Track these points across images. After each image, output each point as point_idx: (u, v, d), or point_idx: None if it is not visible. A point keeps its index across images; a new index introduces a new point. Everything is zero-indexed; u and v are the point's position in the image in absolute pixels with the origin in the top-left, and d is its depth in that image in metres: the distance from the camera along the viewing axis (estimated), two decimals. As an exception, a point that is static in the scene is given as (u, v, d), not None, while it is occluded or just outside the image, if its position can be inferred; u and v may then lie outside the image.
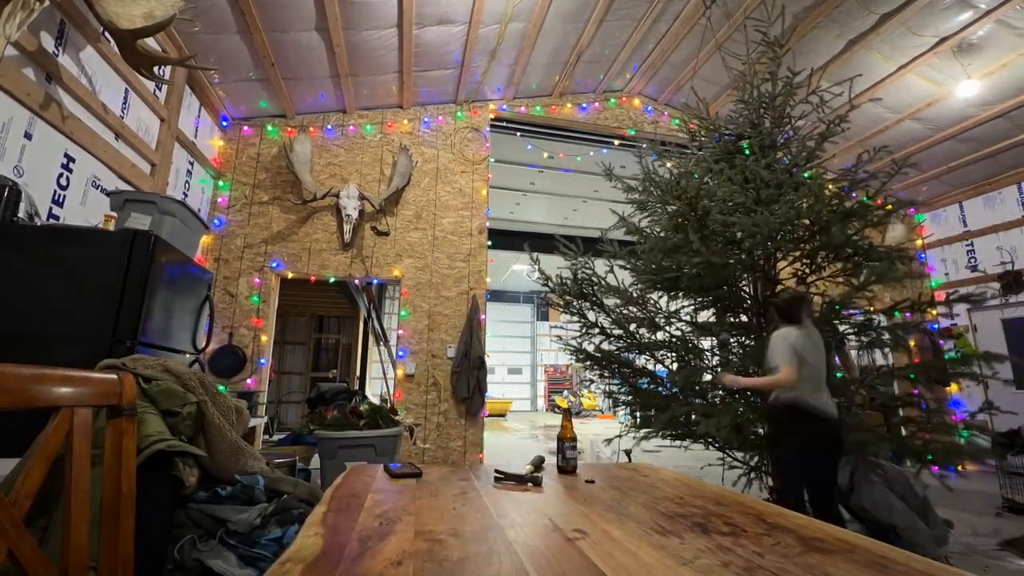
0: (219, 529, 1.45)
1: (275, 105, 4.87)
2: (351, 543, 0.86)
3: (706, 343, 3.82)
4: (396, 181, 5.04)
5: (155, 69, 2.92)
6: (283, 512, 1.56)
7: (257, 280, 4.66)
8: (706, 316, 3.61)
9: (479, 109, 5.62)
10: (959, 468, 4.59)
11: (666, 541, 0.91)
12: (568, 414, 1.65)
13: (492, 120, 5.67)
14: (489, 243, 5.36)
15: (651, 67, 5.59)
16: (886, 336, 2.87)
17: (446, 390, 4.89)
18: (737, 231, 2.86)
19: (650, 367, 3.48)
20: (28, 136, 2.47)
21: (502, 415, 13.76)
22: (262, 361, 4.53)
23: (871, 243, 2.81)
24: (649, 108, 6.22)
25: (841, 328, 3.04)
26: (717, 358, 3.57)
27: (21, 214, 2.14)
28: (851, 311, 2.94)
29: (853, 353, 4.05)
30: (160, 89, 3.72)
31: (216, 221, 4.69)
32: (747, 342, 3.20)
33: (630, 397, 3.46)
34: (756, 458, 3.01)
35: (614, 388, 3.57)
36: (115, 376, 0.98)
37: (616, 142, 6.07)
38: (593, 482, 1.43)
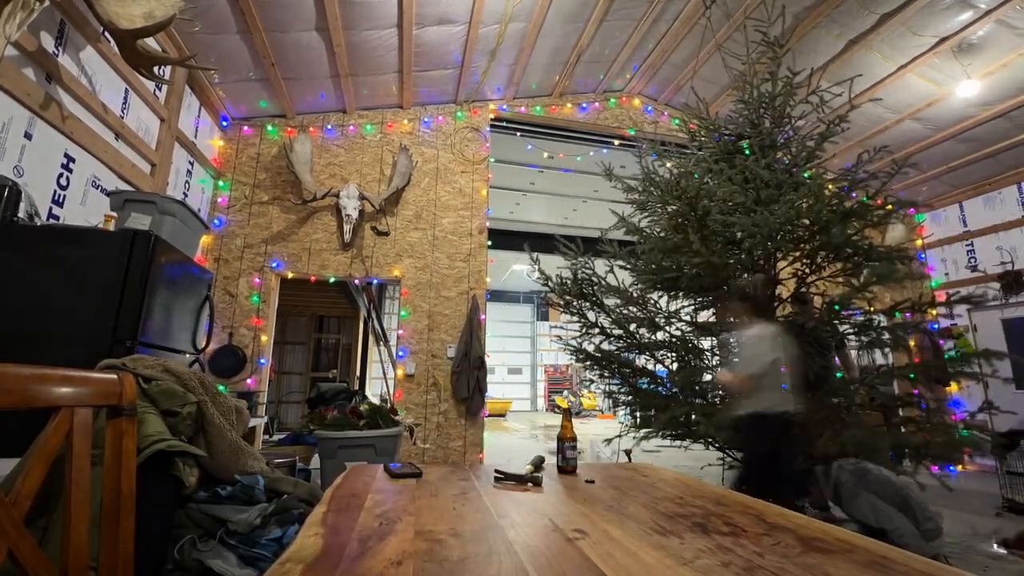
0: (219, 529, 1.45)
1: (275, 105, 4.87)
2: (351, 543, 0.87)
3: (706, 343, 3.82)
4: (396, 181, 5.04)
5: (155, 69, 2.92)
6: (283, 512, 1.56)
7: (257, 280, 4.66)
8: (706, 316, 3.61)
9: (479, 109, 5.62)
10: (959, 468, 4.59)
11: (666, 541, 0.91)
12: (568, 414, 1.65)
13: (492, 120, 5.67)
14: (489, 243, 5.36)
15: (651, 67, 5.59)
16: (886, 336, 2.87)
17: (446, 390, 4.89)
18: (737, 231, 2.86)
19: (650, 367, 3.48)
20: (28, 136, 2.47)
21: (502, 415, 13.76)
22: (262, 361, 4.53)
23: (871, 243, 2.80)
24: (649, 108, 6.22)
25: (841, 328, 3.04)
26: (717, 358, 3.57)
27: (21, 214, 2.14)
28: (851, 311, 2.94)
29: (853, 353, 4.05)
30: (160, 89, 3.72)
31: (216, 221, 4.69)
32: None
33: (630, 397, 3.46)
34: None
35: (614, 388, 3.57)
36: (115, 376, 0.98)
37: (616, 142, 6.07)
38: (593, 482, 1.43)
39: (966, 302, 2.60)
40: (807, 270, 3.06)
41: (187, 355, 2.66)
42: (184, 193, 4.20)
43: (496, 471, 1.45)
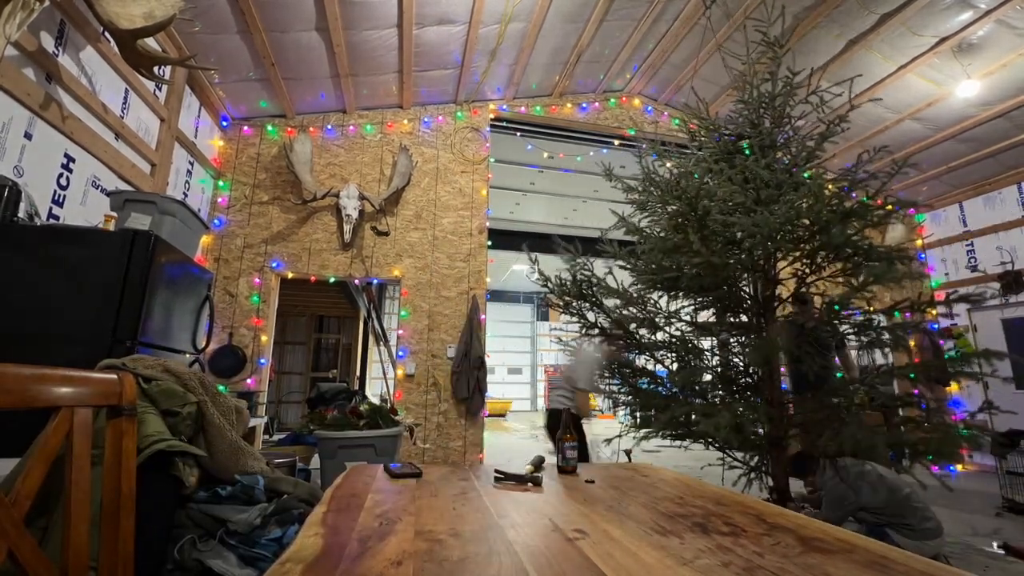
0: (219, 529, 1.45)
1: (275, 105, 4.87)
2: (351, 543, 0.87)
3: (706, 343, 3.82)
4: (396, 181, 5.04)
5: (155, 69, 2.92)
6: (283, 512, 1.56)
7: (257, 280, 4.66)
8: (706, 316, 3.61)
9: (479, 109, 5.62)
10: (959, 468, 4.59)
11: (666, 541, 0.91)
12: (568, 414, 1.65)
13: (492, 120, 5.67)
14: (489, 243, 5.36)
15: (651, 67, 5.59)
16: (886, 336, 2.87)
17: (446, 390, 4.89)
18: (737, 231, 2.86)
19: (650, 367, 3.48)
20: (28, 136, 2.47)
21: (502, 415, 13.76)
22: (262, 361, 4.53)
23: (871, 243, 2.80)
24: (649, 108, 6.22)
25: (841, 328, 3.04)
26: (717, 358, 3.56)
27: (21, 214, 2.14)
28: (851, 311, 2.94)
29: (853, 353, 4.05)
30: (160, 89, 3.72)
31: (216, 221, 4.69)
32: (747, 342, 3.20)
33: (630, 397, 3.45)
34: (756, 458, 3.00)
35: (614, 388, 3.57)
36: (115, 376, 0.98)
37: (616, 142, 6.07)
38: (593, 482, 1.43)
39: (965, 301, 2.59)
40: (807, 270, 3.06)
41: (187, 355, 2.66)
42: (184, 193, 4.20)
43: (496, 471, 1.45)
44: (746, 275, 3.15)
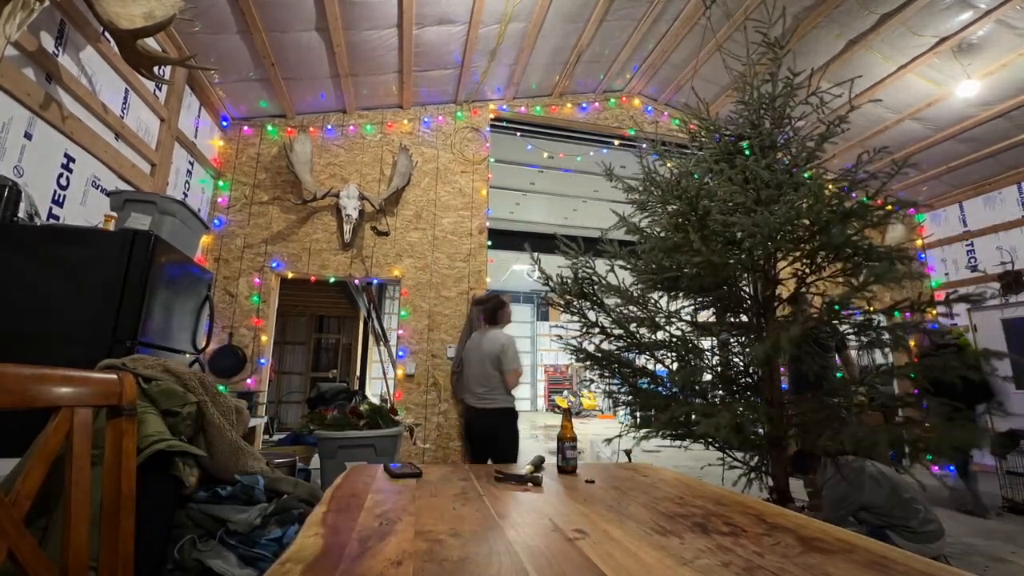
0: (219, 529, 1.45)
1: (275, 105, 4.87)
2: (351, 543, 0.87)
3: (706, 343, 3.82)
4: (396, 181, 5.05)
5: (155, 69, 2.92)
6: (283, 512, 1.56)
7: (257, 280, 4.66)
8: (706, 316, 3.61)
9: (479, 109, 5.62)
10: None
11: (666, 541, 0.91)
12: (568, 414, 1.65)
13: (492, 120, 5.67)
14: (489, 243, 5.36)
15: (651, 67, 5.59)
16: (886, 336, 2.87)
17: (446, 390, 4.89)
18: (737, 231, 2.86)
19: (650, 367, 3.48)
20: (28, 136, 2.47)
21: (502, 415, 13.71)
22: (262, 361, 4.53)
23: (871, 243, 2.80)
24: (649, 108, 6.22)
25: (841, 328, 3.04)
26: (717, 358, 3.56)
27: (21, 214, 2.14)
28: (850, 311, 2.94)
29: (853, 353, 4.05)
30: (160, 89, 3.72)
31: (216, 221, 4.69)
32: (747, 342, 3.20)
33: (630, 397, 3.45)
34: (756, 458, 3.00)
35: (614, 388, 3.57)
36: (115, 376, 0.98)
37: (616, 142, 6.07)
38: (593, 482, 1.43)
39: (965, 301, 2.59)
40: (807, 270, 3.06)
41: (187, 355, 2.66)
42: (184, 193, 4.20)
43: (496, 471, 1.45)
44: (746, 275, 3.15)
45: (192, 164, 4.34)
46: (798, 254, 3.01)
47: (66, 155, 2.76)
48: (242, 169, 4.86)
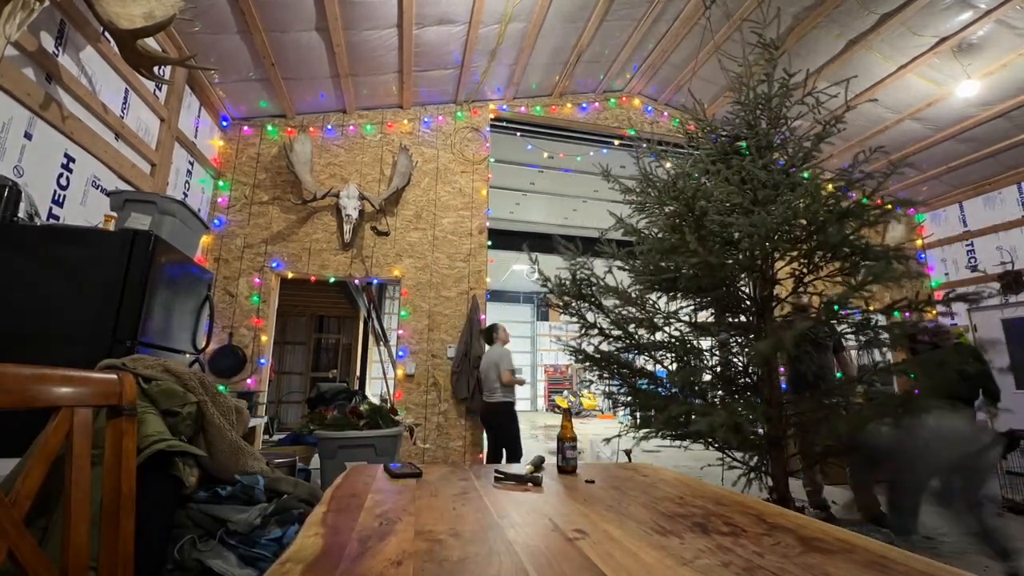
0: (219, 529, 1.45)
1: (275, 105, 4.87)
2: (351, 543, 0.87)
3: (705, 344, 3.82)
4: (396, 181, 5.05)
5: (155, 69, 2.92)
6: (283, 512, 1.56)
7: (257, 280, 4.66)
8: (704, 317, 3.62)
9: (479, 109, 5.62)
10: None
11: (666, 541, 0.91)
12: (568, 414, 1.65)
13: (492, 120, 5.67)
14: (489, 243, 5.36)
15: (651, 67, 5.59)
16: (884, 336, 2.88)
17: (446, 390, 4.89)
18: (734, 231, 2.86)
19: (649, 368, 3.48)
20: (28, 136, 2.48)
21: (502, 415, 13.72)
22: (262, 361, 4.53)
23: (868, 243, 2.80)
24: (649, 108, 6.22)
25: (839, 328, 3.04)
26: (716, 358, 3.56)
27: (21, 214, 2.14)
28: (848, 311, 2.95)
29: (853, 353, 4.05)
30: (160, 89, 3.72)
31: (216, 221, 4.69)
32: (745, 342, 3.20)
33: (629, 398, 3.46)
34: (756, 458, 3.01)
35: (614, 389, 3.57)
36: (115, 376, 0.98)
37: (616, 142, 6.07)
38: (593, 482, 1.43)
39: (963, 300, 2.60)
40: (805, 270, 3.06)
41: (187, 355, 2.66)
42: (184, 193, 4.20)
43: (496, 471, 1.45)
44: (743, 276, 3.15)
45: (192, 164, 4.34)
46: (795, 254, 3.01)
47: (66, 155, 2.76)
48: (242, 169, 4.86)
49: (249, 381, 4.42)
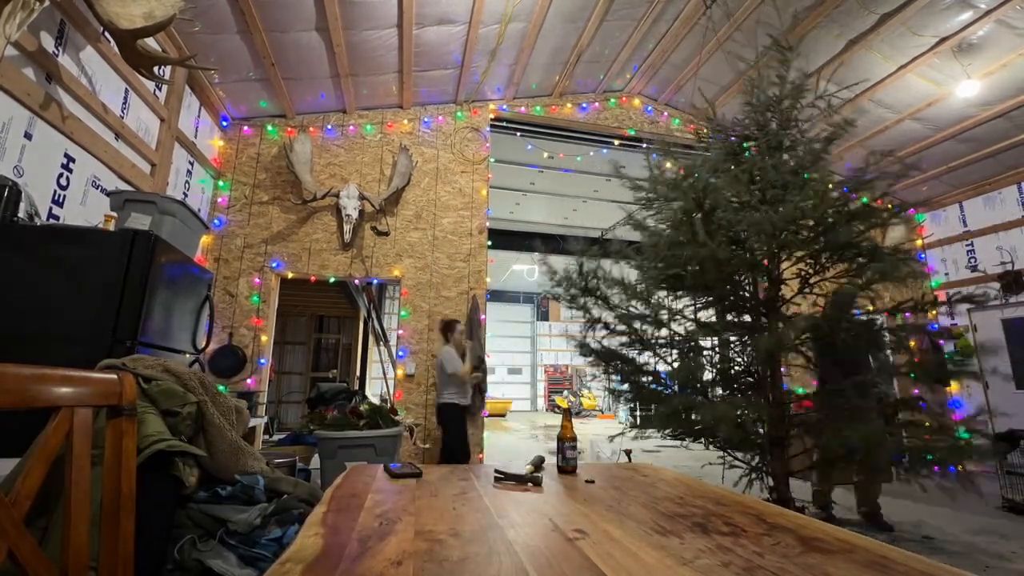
0: (219, 529, 1.45)
1: (275, 105, 4.87)
2: (351, 543, 0.87)
3: (707, 343, 3.82)
4: (396, 181, 5.05)
5: (155, 69, 2.92)
6: (283, 512, 1.56)
7: (257, 280, 4.66)
8: (707, 317, 3.62)
9: (479, 109, 5.62)
10: (959, 468, 4.59)
11: (666, 541, 0.91)
12: (568, 414, 1.65)
13: (492, 120, 5.67)
14: (489, 243, 5.36)
15: (651, 67, 5.59)
16: (888, 337, 2.88)
17: (446, 390, 4.88)
18: (742, 229, 2.88)
19: (653, 364, 3.49)
20: (28, 136, 2.47)
21: (502, 415, 13.77)
22: (262, 361, 4.53)
23: (876, 245, 2.81)
24: (649, 108, 6.22)
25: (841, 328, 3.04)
26: (719, 355, 3.57)
27: (21, 214, 2.14)
28: (852, 312, 2.95)
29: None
30: (160, 89, 3.72)
31: (216, 221, 4.69)
32: (750, 340, 3.21)
33: (631, 394, 3.46)
34: (757, 458, 3.01)
35: (616, 385, 3.58)
36: (115, 376, 0.98)
37: (616, 142, 6.07)
38: (593, 482, 1.43)
39: (969, 302, 2.60)
40: (811, 271, 3.07)
41: (187, 355, 2.66)
42: (184, 193, 4.20)
43: (496, 471, 1.45)
44: (749, 274, 3.16)
45: (192, 164, 4.34)
46: (801, 254, 3.02)
47: (66, 155, 2.76)
48: (242, 169, 4.86)
49: (249, 381, 4.42)
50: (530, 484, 1.37)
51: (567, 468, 1.57)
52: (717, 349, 3.64)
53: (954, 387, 5.93)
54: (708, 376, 3.37)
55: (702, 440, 3.09)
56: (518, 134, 5.90)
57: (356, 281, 5.79)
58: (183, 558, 1.37)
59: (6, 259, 1.97)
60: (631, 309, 3.38)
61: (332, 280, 5.00)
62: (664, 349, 3.39)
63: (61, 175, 2.74)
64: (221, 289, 4.55)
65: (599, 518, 1.06)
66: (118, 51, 2.69)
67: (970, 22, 4.05)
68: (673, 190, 3.20)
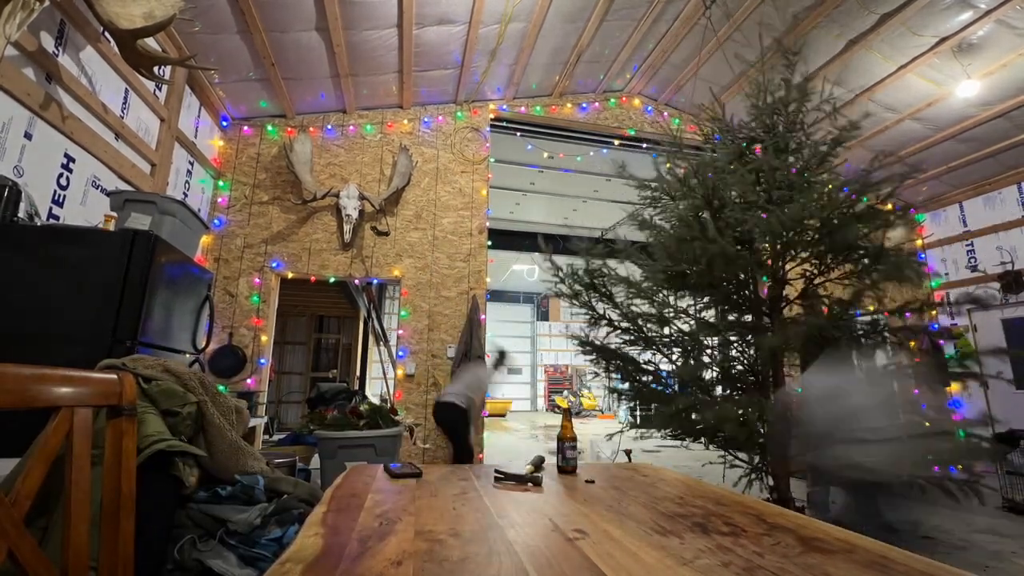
0: (219, 529, 1.45)
1: (275, 105, 4.87)
2: (351, 543, 0.87)
3: (709, 341, 3.83)
4: (396, 181, 5.04)
5: (155, 69, 2.92)
6: (283, 512, 1.56)
7: (257, 280, 4.66)
8: (708, 316, 3.63)
9: (479, 109, 5.62)
10: (959, 468, 4.60)
11: (666, 541, 0.91)
12: (568, 414, 1.65)
13: (492, 120, 5.67)
14: (489, 243, 5.36)
15: (651, 67, 5.59)
16: (890, 338, 2.89)
17: (446, 390, 4.89)
18: (749, 228, 2.89)
19: (656, 363, 3.49)
20: (28, 136, 2.47)
21: (502, 415, 13.76)
22: (262, 361, 4.53)
23: (881, 246, 2.82)
24: (649, 108, 6.22)
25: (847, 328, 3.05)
26: (721, 355, 3.57)
27: (21, 214, 2.14)
28: (856, 313, 2.97)
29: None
30: (160, 89, 3.72)
31: (216, 221, 4.69)
32: (754, 339, 3.21)
33: (632, 393, 3.47)
34: (757, 458, 3.01)
35: (616, 384, 3.58)
36: (115, 376, 0.98)
37: (616, 142, 6.07)
38: (593, 482, 1.43)
39: (974, 303, 2.62)
40: (816, 271, 3.08)
41: (187, 355, 2.66)
42: (184, 193, 4.20)
43: (496, 471, 1.45)
44: (754, 273, 3.17)
45: (192, 164, 4.34)
46: (806, 255, 3.03)
47: (66, 155, 2.76)
48: (242, 169, 4.86)
49: (249, 381, 4.42)
50: (530, 484, 1.37)
51: (567, 468, 1.58)
52: (719, 349, 3.64)
53: (954, 387, 5.93)
54: (710, 375, 3.38)
55: (703, 440, 3.09)
56: (518, 134, 5.90)
57: (356, 281, 5.79)
58: (183, 558, 1.37)
59: (6, 259, 1.97)
60: (633, 308, 3.39)
61: (332, 280, 5.00)
62: (667, 347, 3.39)
63: (61, 175, 2.74)
64: (221, 289, 4.55)
65: (599, 518, 1.06)
66: (118, 51, 2.69)
67: (970, 22, 4.05)
68: (682, 187, 3.22)
